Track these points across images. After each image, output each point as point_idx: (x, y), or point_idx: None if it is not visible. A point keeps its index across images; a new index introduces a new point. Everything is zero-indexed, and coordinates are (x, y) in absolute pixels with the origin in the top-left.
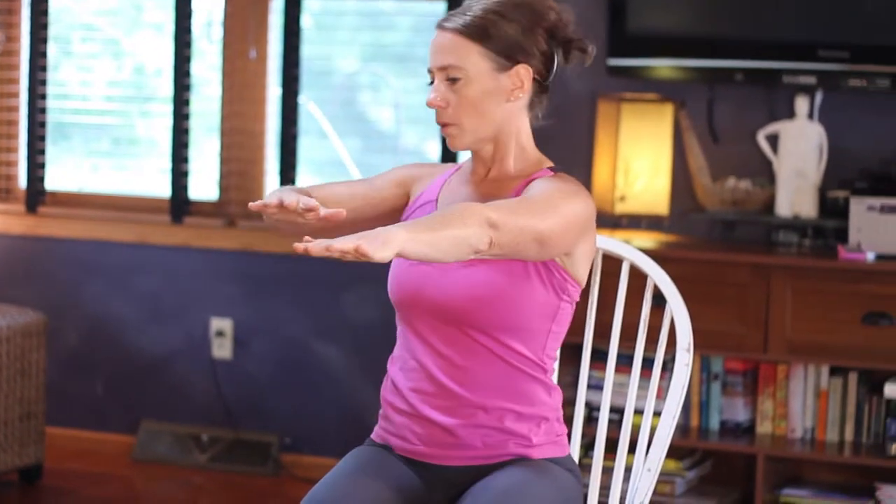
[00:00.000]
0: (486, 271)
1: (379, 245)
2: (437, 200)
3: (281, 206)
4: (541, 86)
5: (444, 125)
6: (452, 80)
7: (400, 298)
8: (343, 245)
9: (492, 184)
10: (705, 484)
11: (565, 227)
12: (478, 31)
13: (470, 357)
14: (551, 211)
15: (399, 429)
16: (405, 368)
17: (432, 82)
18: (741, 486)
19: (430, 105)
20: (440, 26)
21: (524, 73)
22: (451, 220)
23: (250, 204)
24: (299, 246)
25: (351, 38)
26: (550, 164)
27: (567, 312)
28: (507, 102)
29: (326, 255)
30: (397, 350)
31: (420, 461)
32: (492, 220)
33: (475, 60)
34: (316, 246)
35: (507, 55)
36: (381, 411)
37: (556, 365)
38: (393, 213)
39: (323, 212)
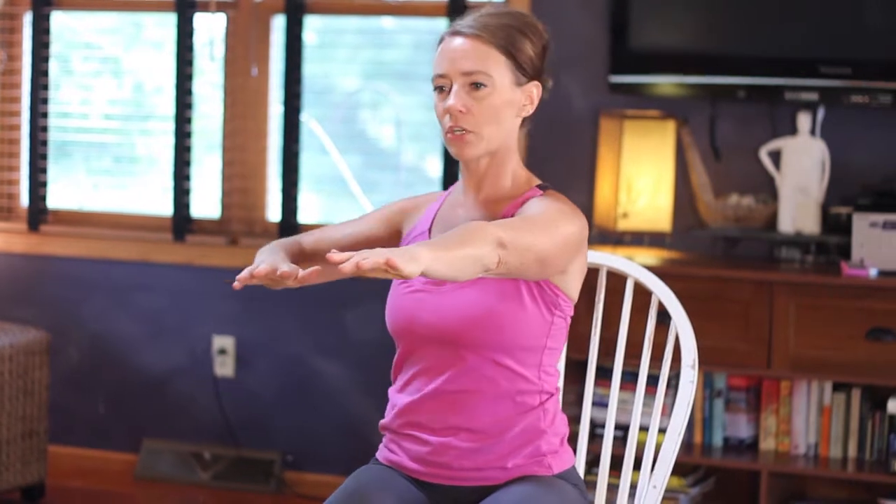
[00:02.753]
0: (478, 292)
1: (408, 259)
2: (430, 231)
3: (264, 276)
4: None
5: (462, 131)
6: (475, 87)
7: (398, 325)
8: (374, 261)
9: (485, 205)
10: (709, 501)
11: (563, 247)
12: (504, 43)
13: (459, 380)
14: (551, 231)
15: (388, 443)
16: (402, 390)
17: (441, 88)
18: (745, 502)
19: (451, 110)
20: (459, 33)
21: (535, 92)
22: (466, 239)
23: (235, 284)
24: (337, 259)
25: (352, 55)
26: (539, 182)
27: (561, 328)
28: (517, 117)
29: (358, 275)
30: (397, 375)
31: (422, 481)
32: (501, 240)
33: (501, 71)
34: (348, 265)
35: (524, 71)
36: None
37: (560, 383)
38: None
39: (300, 274)
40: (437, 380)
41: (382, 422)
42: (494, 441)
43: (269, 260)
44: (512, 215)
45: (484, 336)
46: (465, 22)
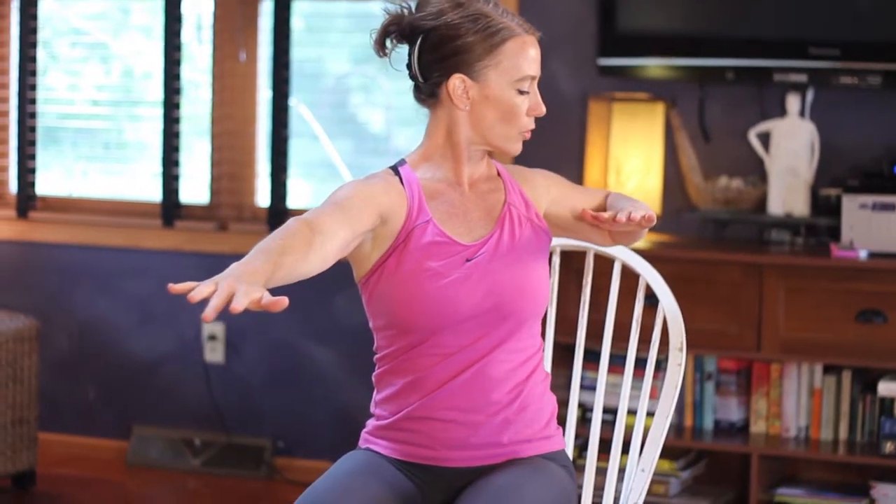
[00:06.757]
0: (526, 261)
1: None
2: (433, 220)
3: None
4: None
5: (528, 132)
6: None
7: (439, 316)
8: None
9: (485, 184)
10: (700, 484)
11: None
12: None
13: (500, 355)
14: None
15: (412, 436)
16: (422, 380)
17: (526, 92)
18: (736, 485)
19: (541, 113)
20: (532, 33)
21: None
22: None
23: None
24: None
25: (342, 40)
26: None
27: None
28: None
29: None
30: (404, 365)
31: (417, 463)
32: None
33: None
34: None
35: None
36: (373, 421)
37: (548, 365)
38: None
39: (265, 300)
40: (481, 360)
41: (406, 411)
42: (536, 408)
43: (226, 287)
44: (515, 196)
45: (533, 304)
46: (519, 20)
